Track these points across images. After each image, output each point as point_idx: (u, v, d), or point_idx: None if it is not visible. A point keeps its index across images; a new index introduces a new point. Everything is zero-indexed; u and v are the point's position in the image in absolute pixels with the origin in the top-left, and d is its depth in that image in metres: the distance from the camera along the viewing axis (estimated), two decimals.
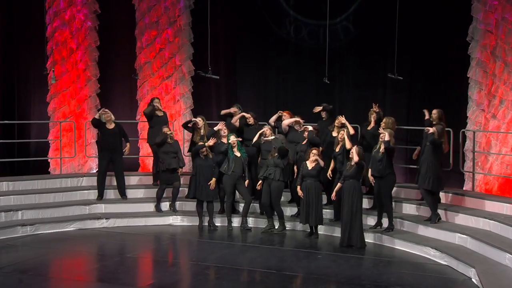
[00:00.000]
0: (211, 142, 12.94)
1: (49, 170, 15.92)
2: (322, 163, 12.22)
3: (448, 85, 13.78)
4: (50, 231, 12.75)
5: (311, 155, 12.18)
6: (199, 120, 13.82)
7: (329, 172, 12.68)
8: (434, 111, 12.52)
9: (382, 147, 11.82)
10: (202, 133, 13.65)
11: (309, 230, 12.53)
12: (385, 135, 11.82)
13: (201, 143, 13.08)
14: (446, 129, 12.87)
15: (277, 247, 11.85)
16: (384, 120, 12.58)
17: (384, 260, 11.03)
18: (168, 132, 13.43)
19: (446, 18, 13.75)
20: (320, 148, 12.72)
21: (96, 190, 13.99)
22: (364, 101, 14.43)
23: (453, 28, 13.65)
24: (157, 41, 15.74)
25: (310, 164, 12.17)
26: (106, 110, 13.93)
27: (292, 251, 11.55)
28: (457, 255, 10.70)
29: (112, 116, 13.92)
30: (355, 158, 11.51)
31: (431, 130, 11.84)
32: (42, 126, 16.21)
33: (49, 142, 15.96)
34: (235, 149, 12.92)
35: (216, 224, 13.19)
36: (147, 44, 15.81)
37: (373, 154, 11.96)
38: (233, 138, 12.96)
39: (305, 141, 12.92)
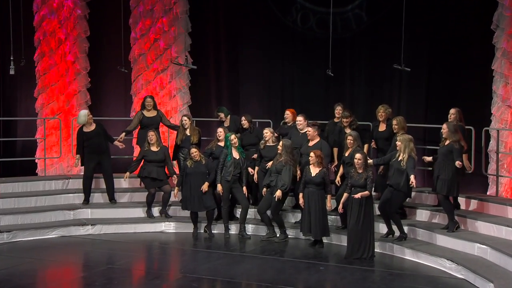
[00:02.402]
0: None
1: (36, 171, 15.68)
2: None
3: (470, 78, 13.37)
4: (29, 239, 12.48)
5: (310, 159, 11.82)
6: (185, 120, 13.56)
7: (338, 178, 12.34)
8: (452, 111, 12.17)
9: (401, 156, 11.46)
10: (188, 134, 13.38)
11: (313, 239, 12.15)
12: (401, 145, 11.49)
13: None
14: (467, 127, 12.57)
15: (276, 257, 11.52)
16: (394, 122, 12.19)
17: (393, 273, 10.68)
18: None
19: (468, 4, 13.36)
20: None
21: (83, 194, 13.73)
22: (377, 96, 14.15)
23: (476, 15, 13.25)
24: (151, 31, 15.46)
25: (313, 170, 11.81)
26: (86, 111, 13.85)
27: (292, 262, 11.21)
28: (475, 267, 10.32)
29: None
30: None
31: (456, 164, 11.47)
32: (29, 123, 16.01)
33: (37, 141, 15.72)
34: (234, 150, 12.60)
35: (213, 232, 12.84)
36: (141, 35, 15.54)
37: (392, 163, 11.61)
38: (233, 137, 12.64)
39: (311, 143, 12.50)
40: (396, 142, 11.61)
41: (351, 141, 12.02)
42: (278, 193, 12.09)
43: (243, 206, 12.72)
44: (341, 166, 12.31)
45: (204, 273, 10.48)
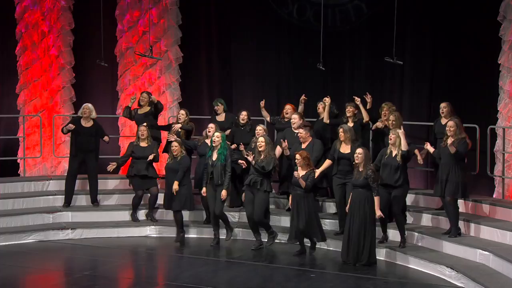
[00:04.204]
0: (171, 137, 12.44)
1: (19, 172, 15.55)
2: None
3: (475, 73, 13.23)
4: (4, 244, 12.34)
5: (296, 161, 11.50)
6: (182, 114, 13.35)
7: (318, 171, 11.89)
8: (444, 105, 12.06)
9: (395, 152, 11.27)
10: (179, 130, 13.17)
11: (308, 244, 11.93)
12: (396, 139, 11.22)
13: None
14: (472, 125, 12.45)
15: (265, 263, 11.38)
16: (391, 118, 12.00)
17: (389, 281, 10.52)
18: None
19: None
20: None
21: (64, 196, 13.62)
22: (378, 92, 13.99)
23: (481, 6, 13.09)
24: (140, 23, 15.32)
25: (300, 172, 11.44)
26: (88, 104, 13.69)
27: (281, 269, 11.07)
28: (476, 275, 10.12)
29: (93, 113, 13.62)
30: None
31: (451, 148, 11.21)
32: (11, 121, 15.87)
33: (19, 139, 15.60)
34: (214, 152, 12.16)
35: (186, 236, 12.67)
36: (129, 27, 15.42)
37: (385, 161, 11.40)
38: (216, 135, 12.21)
39: (303, 145, 12.28)
40: (390, 136, 11.37)
41: (341, 133, 11.85)
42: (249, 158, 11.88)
43: (211, 212, 12.33)
44: (327, 161, 12.08)
45: (186, 280, 10.32)
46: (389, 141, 11.38)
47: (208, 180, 12.16)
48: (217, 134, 12.23)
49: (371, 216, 11.05)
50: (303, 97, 13.31)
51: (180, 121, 13.33)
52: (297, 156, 11.51)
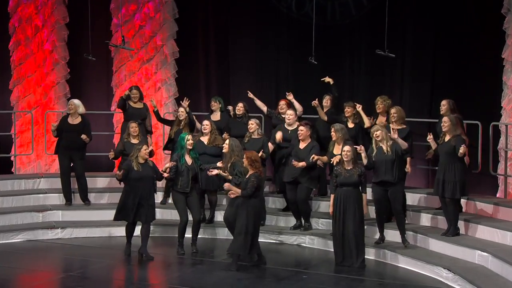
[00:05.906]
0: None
1: (12, 170, 15.52)
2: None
3: (478, 68, 13.10)
4: None
5: (244, 160, 10.98)
6: (181, 111, 13.21)
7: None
8: (443, 102, 11.90)
9: (385, 147, 11.17)
10: (180, 127, 13.03)
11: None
12: (382, 134, 11.16)
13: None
14: (474, 121, 12.35)
15: (256, 264, 11.17)
16: (392, 111, 11.85)
17: (383, 282, 10.46)
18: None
19: None
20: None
21: (55, 194, 13.69)
22: (378, 88, 13.87)
23: None
24: (136, 17, 15.26)
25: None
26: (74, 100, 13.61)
27: (273, 270, 10.96)
28: (474, 277, 10.01)
29: (80, 109, 13.50)
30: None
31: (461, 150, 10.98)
32: (5, 117, 15.84)
33: (12, 136, 15.55)
34: (187, 156, 11.69)
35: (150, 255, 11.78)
36: (124, 21, 15.34)
37: (377, 158, 11.26)
38: (190, 137, 11.69)
39: (302, 145, 12.13)
40: (376, 133, 11.23)
41: (333, 133, 11.72)
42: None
43: (194, 219, 11.80)
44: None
45: (171, 282, 10.29)
46: (376, 138, 11.21)
47: (191, 188, 11.61)
48: (189, 136, 11.75)
49: (362, 215, 10.94)
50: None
51: (180, 118, 13.19)
52: (245, 156, 10.93)
